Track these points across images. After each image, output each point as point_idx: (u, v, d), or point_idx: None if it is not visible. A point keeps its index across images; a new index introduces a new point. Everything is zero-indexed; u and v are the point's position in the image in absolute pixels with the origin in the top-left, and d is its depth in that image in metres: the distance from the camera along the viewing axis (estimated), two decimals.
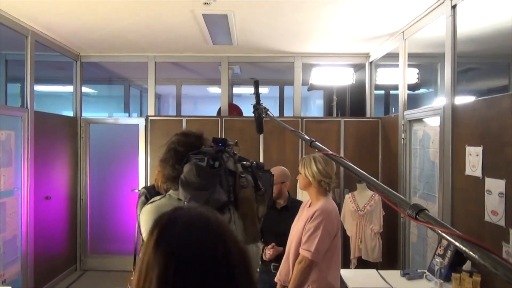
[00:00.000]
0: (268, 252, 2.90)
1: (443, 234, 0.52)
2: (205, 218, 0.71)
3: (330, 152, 0.90)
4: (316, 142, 1.03)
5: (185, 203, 1.47)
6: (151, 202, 1.60)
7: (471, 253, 0.48)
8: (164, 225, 0.68)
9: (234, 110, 6.03)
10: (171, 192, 1.65)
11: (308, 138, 1.09)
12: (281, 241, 2.85)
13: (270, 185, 1.74)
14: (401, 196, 0.63)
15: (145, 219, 1.57)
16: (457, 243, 0.50)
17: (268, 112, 1.71)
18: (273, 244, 2.92)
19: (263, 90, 8.19)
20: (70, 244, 5.48)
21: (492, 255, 0.46)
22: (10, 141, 4.11)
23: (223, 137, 4.45)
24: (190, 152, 1.55)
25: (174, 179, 1.60)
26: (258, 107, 1.82)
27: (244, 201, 1.54)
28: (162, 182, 1.68)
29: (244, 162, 1.64)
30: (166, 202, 1.57)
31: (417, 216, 0.55)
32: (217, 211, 1.40)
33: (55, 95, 8.49)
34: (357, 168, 0.81)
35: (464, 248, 0.49)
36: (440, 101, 4.84)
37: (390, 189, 0.66)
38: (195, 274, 0.60)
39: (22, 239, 4.28)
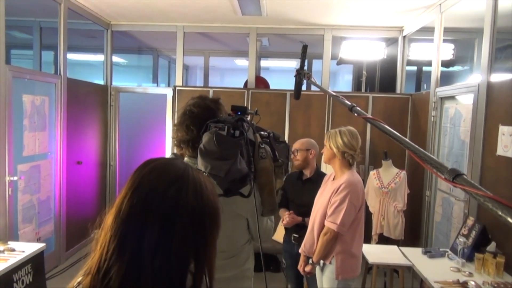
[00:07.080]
0: (286, 218, 2.94)
1: (480, 198, 0.52)
2: (170, 166, 0.80)
3: (370, 116, 0.90)
4: (357, 108, 1.03)
5: (205, 173, 1.32)
6: None
7: (509, 218, 0.48)
8: (139, 166, 0.82)
9: (261, 83, 5.99)
10: (186, 159, 1.57)
11: (349, 104, 1.09)
12: (302, 211, 2.88)
13: (286, 157, 1.68)
14: (439, 161, 0.63)
15: None
16: (494, 208, 0.50)
17: (311, 78, 1.69)
18: (291, 211, 2.96)
19: (291, 63, 8.08)
20: (100, 208, 5.71)
21: None
22: (44, 106, 4.25)
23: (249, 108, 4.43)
24: (205, 115, 1.47)
25: (188, 142, 1.53)
26: (300, 72, 1.79)
27: (263, 172, 1.47)
28: (176, 146, 1.60)
29: (262, 132, 1.57)
30: None
31: (454, 180, 0.55)
32: (239, 182, 1.39)
33: (85, 63, 8.66)
34: (395, 132, 0.81)
35: (501, 213, 0.49)
36: (474, 78, 4.66)
37: (428, 153, 0.66)
38: (143, 206, 0.74)
39: (55, 200, 4.49)
